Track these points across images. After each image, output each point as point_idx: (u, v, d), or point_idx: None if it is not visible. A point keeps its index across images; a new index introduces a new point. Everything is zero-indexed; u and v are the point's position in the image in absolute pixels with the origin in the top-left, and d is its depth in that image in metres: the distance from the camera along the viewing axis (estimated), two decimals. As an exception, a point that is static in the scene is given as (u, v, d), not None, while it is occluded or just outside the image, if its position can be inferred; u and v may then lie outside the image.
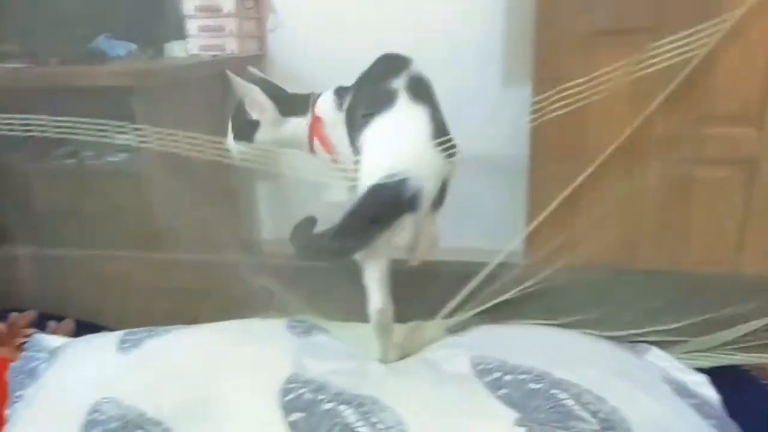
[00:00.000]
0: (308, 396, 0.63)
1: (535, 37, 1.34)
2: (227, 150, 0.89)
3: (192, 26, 1.70)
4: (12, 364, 0.83)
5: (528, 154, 1.46)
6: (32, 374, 0.81)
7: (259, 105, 0.86)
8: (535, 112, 1.14)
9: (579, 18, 1.29)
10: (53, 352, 0.83)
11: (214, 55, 1.69)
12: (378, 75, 0.79)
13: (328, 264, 0.80)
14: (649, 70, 0.98)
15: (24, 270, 0.92)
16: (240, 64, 1.75)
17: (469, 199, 1.64)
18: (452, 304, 0.79)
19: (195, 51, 1.70)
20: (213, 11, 1.68)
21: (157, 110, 1.46)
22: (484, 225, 1.62)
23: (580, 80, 1.02)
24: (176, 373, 0.70)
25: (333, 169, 0.85)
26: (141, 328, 0.81)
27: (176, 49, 1.73)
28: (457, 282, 0.89)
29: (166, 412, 0.63)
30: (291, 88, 1.86)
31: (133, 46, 1.67)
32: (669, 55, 1.01)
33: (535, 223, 0.91)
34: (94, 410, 0.65)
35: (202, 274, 0.95)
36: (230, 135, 0.89)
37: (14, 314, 0.94)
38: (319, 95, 0.89)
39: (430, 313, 0.86)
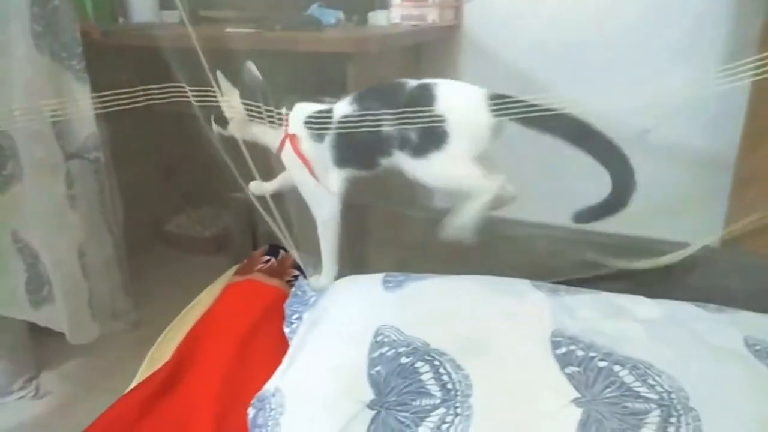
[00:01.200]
0: (580, 353, 0.68)
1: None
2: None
3: (396, -4, 1.78)
4: (290, 298, 0.98)
5: (738, 147, 1.37)
6: (306, 303, 0.95)
7: (231, 107, 0.99)
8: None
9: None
10: (321, 288, 0.97)
11: (415, 25, 1.76)
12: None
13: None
14: None
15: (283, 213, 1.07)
16: (438, 33, 1.82)
17: (663, 188, 1.59)
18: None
19: (397, 20, 1.79)
20: (419, -19, 1.74)
21: (366, 76, 1.57)
22: (675, 216, 1.55)
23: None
24: (447, 313, 0.79)
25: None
26: (396, 273, 0.91)
27: (379, 18, 1.82)
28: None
29: (447, 344, 0.71)
30: (481, 60, 1.90)
31: (341, 14, 1.77)
32: None
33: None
34: (379, 333, 0.76)
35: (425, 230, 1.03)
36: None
37: (283, 252, 1.11)
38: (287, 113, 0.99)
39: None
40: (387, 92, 0.93)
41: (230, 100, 1.00)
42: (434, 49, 1.90)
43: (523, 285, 0.85)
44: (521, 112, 0.84)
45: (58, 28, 1.06)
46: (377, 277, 0.90)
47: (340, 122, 0.94)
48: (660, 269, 0.90)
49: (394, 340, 0.74)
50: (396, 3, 1.78)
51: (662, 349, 0.68)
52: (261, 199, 1.05)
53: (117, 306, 1.76)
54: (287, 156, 1.00)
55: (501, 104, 0.86)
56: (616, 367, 0.66)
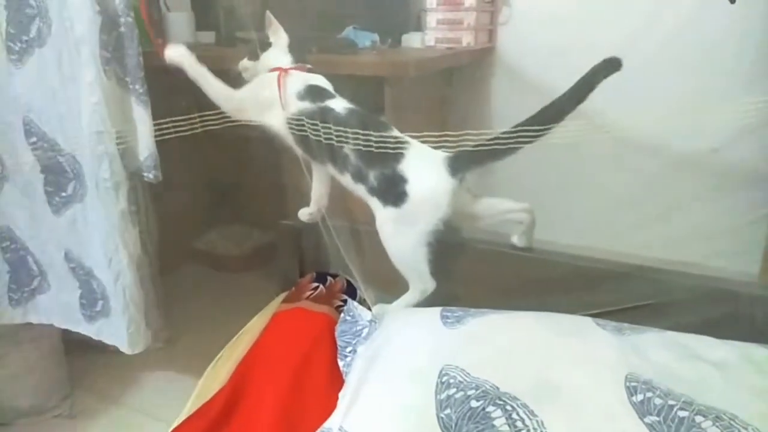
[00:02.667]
0: (658, 401, 0.67)
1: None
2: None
3: (431, 19, 1.78)
4: (339, 325, 0.98)
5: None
6: (358, 334, 0.95)
7: (278, 34, 1.12)
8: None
9: None
10: (375, 319, 0.96)
11: (450, 48, 1.76)
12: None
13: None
14: None
15: (339, 239, 1.07)
16: (472, 56, 1.82)
17: (702, 210, 1.57)
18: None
19: (431, 43, 1.79)
20: (454, 5, 1.75)
21: (403, 99, 1.57)
22: (714, 240, 1.54)
23: None
24: (513, 353, 0.77)
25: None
26: (454, 307, 0.90)
27: (413, 40, 1.82)
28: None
29: (518, 388, 0.70)
30: (516, 81, 1.90)
31: (376, 37, 1.77)
32: None
33: None
34: (444, 373, 0.75)
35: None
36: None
37: (330, 279, 1.10)
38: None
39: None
40: (367, 120, 0.99)
41: (277, 29, 1.11)
42: (467, 71, 1.90)
43: (586, 323, 0.84)
44: (479, 157, 0.93)
45: (123, 53, 1.10)
46: (434, 312, 0.89)
47: (321, 107, 1.01)
48: (725, 303, 0.88)
49: (460, 381, 0.73)
50: (431, 26, 1.78)
51: (744, 398, 0.67)
52: (323, 225, 1.07)
53: (150, 323, 1.76)
54: (267, 78, 1.07)
55: (459, 163, 0.93)
56: (698, 418, 0.64)
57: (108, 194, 1.15)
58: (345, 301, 1.05)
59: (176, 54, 1.04)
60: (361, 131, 0.94)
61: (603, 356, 0.75)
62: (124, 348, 1.27)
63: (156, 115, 1.15)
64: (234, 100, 1.06)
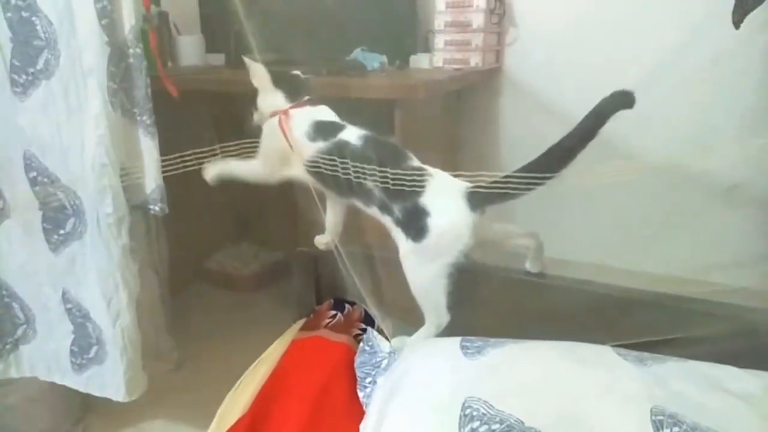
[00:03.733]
0: (685, 436, 0.67)
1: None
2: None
3: (439, 40, 1.80)
4: (359, 355, 0.98)
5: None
6: (378, 365, 0.95)
7: (258, 75, 1.08)
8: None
9: None
10: (395, 349, 0.96)
11: (458, 69, 1.78)
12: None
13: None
14: None
15: (353, 268, 1.07)
16: (480, 77, 1.84)
17: (715, 228, 1.56)
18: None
19: (439, 64, 1.81)
20: (463, 26, 1.77)
21: (412, 121, 1.58)
22: (734, 270, 1.52)
23: None
24: (536, 386, 0.77)
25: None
26: (473, 337, 0.90)
27: (422, 61, 1.84)
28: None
29: (543, 423, 0.70)
30: (523, 100, 1.90)
31: (384, 58, 1.79)
32: None
33: None
34: (467, 406, 0.75)
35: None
36: None
37: (348, 307, 1.11)
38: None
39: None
40: (386, 151, 0.99)
41: (255, 71, 1.08)
42: (475, 91, 1.91)
43: (607, 353, 0.84)
44: (499, 194, 0.92)
45: (131, 84, 1.09)
46: (454, 342, 0.89)
47: (336, 143, 1.00)
48: (744, 333, 0.88)
49: (484, 414, 0.73)
50: (439, 47, 1.80)
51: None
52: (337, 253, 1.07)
53: (160, 346, 1.75)
54: (270, 126, 1.07)
55: (480, 198, 0.93)
56: (725, 453, 0.64)
57: (109, 230, 1.11)
58: (364, 330, 1.05)
59: (213, 171, 1.11)
60: (378, 169, 0.94)
61: (627, 388, 0.75)
62: (121, 396, 1.23)
63: (169, 148, 1.14)
64: (259, 170, 1.09)
